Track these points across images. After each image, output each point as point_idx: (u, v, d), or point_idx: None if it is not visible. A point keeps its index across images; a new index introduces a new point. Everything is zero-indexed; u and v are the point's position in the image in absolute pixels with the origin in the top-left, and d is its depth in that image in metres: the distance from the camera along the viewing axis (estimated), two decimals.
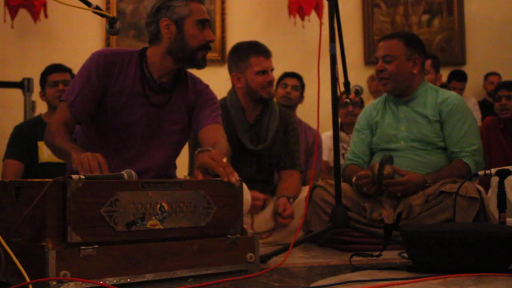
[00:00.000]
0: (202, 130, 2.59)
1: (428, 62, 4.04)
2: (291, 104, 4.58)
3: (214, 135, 2.55)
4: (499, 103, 4.31)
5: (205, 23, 2.53)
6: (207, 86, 2.72)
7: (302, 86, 4.71)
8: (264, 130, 3.35)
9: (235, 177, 2.12)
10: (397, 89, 3.18)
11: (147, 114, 2.55)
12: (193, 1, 2.53)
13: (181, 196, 1.99)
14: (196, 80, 2.70)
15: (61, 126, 2.46)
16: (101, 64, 2.50)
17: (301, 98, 4.70)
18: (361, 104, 4.71)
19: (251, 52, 3.30)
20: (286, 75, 4.71)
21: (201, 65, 2.57)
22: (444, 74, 6.00)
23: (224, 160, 2.17)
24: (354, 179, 3.01)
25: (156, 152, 2.59)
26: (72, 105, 2.48)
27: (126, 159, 2.51)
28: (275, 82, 4.70)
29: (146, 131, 2.56)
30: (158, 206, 1.94)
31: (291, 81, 4.63)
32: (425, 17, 6.47)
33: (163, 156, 2.62)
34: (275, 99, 4.63)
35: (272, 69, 3.33)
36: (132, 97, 2.53)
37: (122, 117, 2.52)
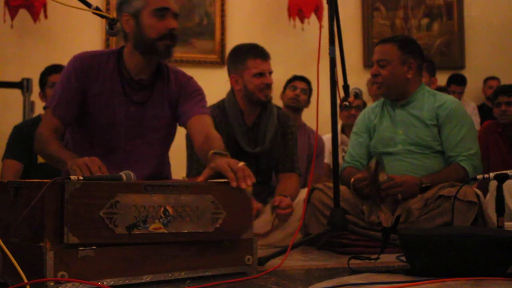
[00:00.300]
0: (189, 121, 2.56)
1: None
2: (299, 107, 4.61)
3: (203, 125, 2.53)
4: (499, 109, 4.29)
5: (164, 12, 2.48)
6: (190, 78, 2.69)
7: (310, 90, 4.73)
8: (262, 133, 3.35)
9: (247, 183, 2.08)
10: (391, 94, 3.17)
11: (128, 113, 2.55)
12: None
13: (187, 200, 1.97)
14: (179, 73, 2.67)
15: (51, 133, 2.48)
16: (78, 67, 2.52)
17: (308, 102, 4.73)
18: (363, 107, 4.71)
19: (249, 54, 3.30)
20: (296, 78, 4.74)
21: (164, 55, 2.53)
22: (444, 78, 6.00)
23: (242, 163, 2.13)
24: (352, 181, 3.01)
25: (142, 150, 2.58)
26: (55, 109, 2.51)
27: (113, 160, 2.50)
28: (283, 84, 4.74)
29: (130, 130, 2.56)
30: (162, 209, 1.92)
31: (300, 84, 4.66)
32: (425, 21, 6.48)
33: (150, 154, 2.61)
34: (282, 101, 4.67)
35: (270, 72, 3.32)
36: (113, 97, 2.53)
37: (104, 118, 2.53)
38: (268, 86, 3.31)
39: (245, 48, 3.36)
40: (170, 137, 2.73)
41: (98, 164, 2.14)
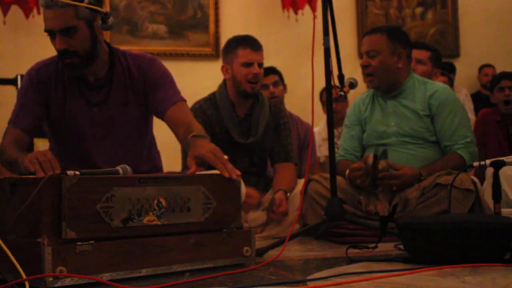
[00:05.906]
0: (167, 112, 2.51)
1: (427, 54, 4.00)
2: (280, 101, 4.45)
3: (182, 116, 2.49)
4: (503, 94, 4.23)
5: (49, 34, 2.43)
6: (151, 61, 2.61)
7: (281, 77, 4.41)
8: (255, 124, 3.35)
9: (236, 173, 2.10)
10: (383, 85, 3.15)
11: (92, 115, 2.53)
12: (45, 9, 2.39)
13: (179, 191, 1.98)
14: (138, 58, 2.60)
15: (10, 144, 2.46)
16: (34, 79, 2.52)
17: (284, 90, 4.46)
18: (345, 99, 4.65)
19: (240, 43, 3.30)
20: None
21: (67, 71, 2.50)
22: None
23: (225, 157, 2.15)
24: (347, 172, 3.00)
25: (114, 149, 2.55)
26: (15, 122, 2.51)
27: (90, 162, 2.50)
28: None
29: (97, 131, 2.54)
30: (156, 201, 1.93)
31: (270, 79, 4.28)
32: (419, 10, 6.47)
33: (124, 151, 2.57)
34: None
35: (260, 64, 3.29)
36: (74, 102, 2.52)
37: (70, 124, 2.53)
38: (256, 76, 3.26)
39: (238, 38, 3.36)
40: (143, 129, 2.67)
41: (49, 158, 2.09)
